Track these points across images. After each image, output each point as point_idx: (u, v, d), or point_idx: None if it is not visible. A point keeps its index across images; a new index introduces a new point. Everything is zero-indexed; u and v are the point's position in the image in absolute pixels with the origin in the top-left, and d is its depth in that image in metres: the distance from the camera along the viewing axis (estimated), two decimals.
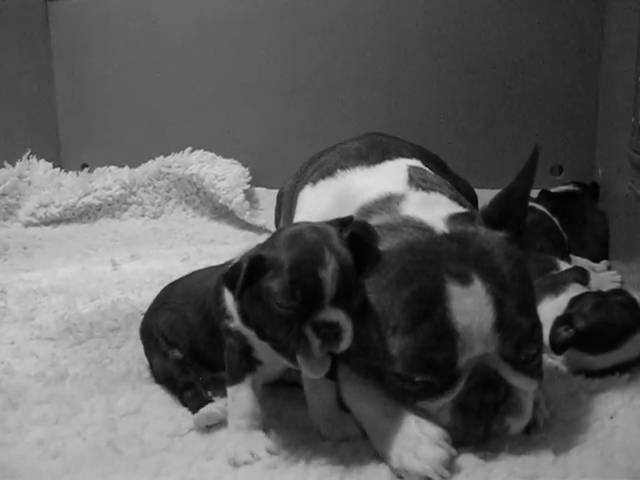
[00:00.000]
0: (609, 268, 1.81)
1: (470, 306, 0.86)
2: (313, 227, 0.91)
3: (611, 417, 0.99)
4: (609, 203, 1.98)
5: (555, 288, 1.32)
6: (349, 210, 1.08)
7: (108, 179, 2.72)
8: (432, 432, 0.87)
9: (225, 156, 2.69)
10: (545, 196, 2.03)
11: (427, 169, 1.24)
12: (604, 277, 1.67)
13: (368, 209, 1.08)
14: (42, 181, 2.77)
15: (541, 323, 0.95)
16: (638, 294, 1.27)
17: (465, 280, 0.87)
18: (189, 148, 2.70)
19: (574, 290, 1.30)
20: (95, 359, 1.27)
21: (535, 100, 2.40)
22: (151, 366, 1.18)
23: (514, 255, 0.95)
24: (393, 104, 2.54)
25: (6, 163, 2.75)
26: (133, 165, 2.79)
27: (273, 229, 1.88)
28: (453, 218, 1.00)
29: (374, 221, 1.03)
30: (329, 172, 1.27)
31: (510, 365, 0.88)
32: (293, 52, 2.65)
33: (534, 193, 1.99)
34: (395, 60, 2.53)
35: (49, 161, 2.90)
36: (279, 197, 1.88)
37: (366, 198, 1.10)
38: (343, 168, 1.26)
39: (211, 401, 1.03)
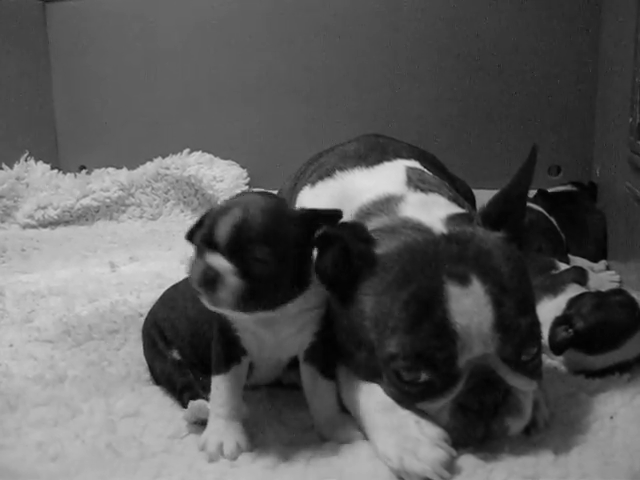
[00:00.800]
0: (607, 268, 1.81)
1: (469, 306, 0.86)
2: (263, 194, 0.95)
3: (611, 417, 0.99)
4: (607, 203, 1.98)
5: (554, 288, 1.32)
6: (348, 211, 1.07)
7: (106, 181, 2.72)
8: (432, 433, 0.86)
9: (223, 157, 2.70)
10: (543, 196, 2.03)
11: (425, 170, 1.24)
12: (603, 277, 1.68)
13: (367, 210, 1.08)
14: (40, 183, 2.77)
15: (540, 323, 0.95)
16: (637, 294, 1.28)
17: (464, 281, 0.87)
18: (187, 149, 2.71)
19: (573, 290, 1.30)
20: (94, 361, 1.27)
21: (533, 100, 2.40)
22: (150, 368, 1.18)
23: (513, 255, 0.95)
24: (391, 105, 2.54)
25: (4, 165, 2.76)
26: (131, 167, 2.79)
27: None
28: (452, 219, 1.00)
29: (373, 222, 1.03)
30: (328, 173, 1.27)
31: (509, 365, 0.88)
32: (291, 53, 2.65)
33: (532, 193, 1.99)
34: (393, 61, 2.53)
35: (47, 163, 2.90)
36: None
37: (364, 199, 1.10)
38: (341, 169, 1.26)
39: None
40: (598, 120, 2.24)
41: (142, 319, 1.26)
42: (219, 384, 0.96)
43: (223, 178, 2.57)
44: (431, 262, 0.90)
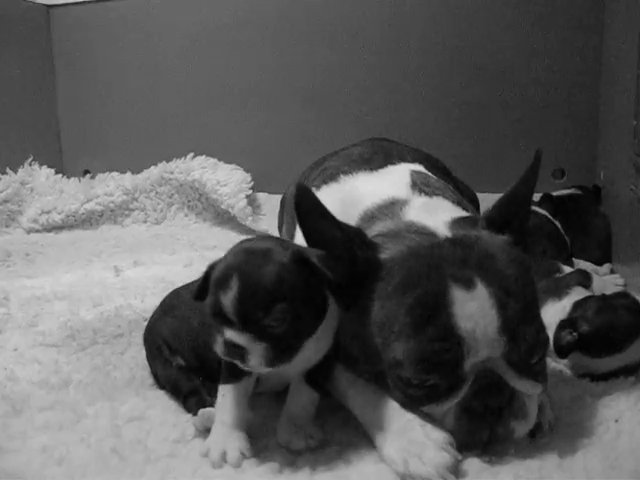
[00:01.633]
0: (612, 271, 1.81)
1: (474, 310, 0.86)
2: (249, 249, 0.91)
3: (616, 420, 0.98)
4: (611, 206, 1.98)
5: (558, 292, 1.31)
6: (352, 215, 1.08)
7: (110, 185, 2.72)
8: (437, 436, 0.86)
9: (227, 162, 2.70)
10: (547, 199, 2.03)
11: (430, 174, 1.24)
12: (607, 280, 1.67)
13: (371, 214, 1.08)
14: (44, 187, 2.78)
15: (545, 326, 0.95)
16: None
17: (469, 284, 0.87)
18: (191, 154, 2.71)
19: (577, 293, 1.30)
20: (99, 365, 1.27)
21: (537, 104, 2.40)
22: (154, 373, 1.18)
23: (517, 259, 0.95)
24: (395, 109, 2.55)
25: (8, 170, 2.76)
26: (135, 171, 2.80)
27: (276, 234, 1.88)
28: (456, 222, 1.00)
29: (377, 226, 1.03)
30: (332, 177, 1.27)
31: (514, 369, 0.88)
32: (295, 57, 2.66)
33: (536, 197, 1.99)
34: (397, 65, 2.53)
35: (51, 167, 2.91)
36: (282, 203, 1.88)
37: (369, 203, 1.11)
38: (346, 173, 1.26)
39: None
40: (602, 123, 2.23)
41: (146, 323, 1.26)
42: (227, 393, 0.96)
43: (227, 182, 2.57)
44: (436, 266, 0.90)
